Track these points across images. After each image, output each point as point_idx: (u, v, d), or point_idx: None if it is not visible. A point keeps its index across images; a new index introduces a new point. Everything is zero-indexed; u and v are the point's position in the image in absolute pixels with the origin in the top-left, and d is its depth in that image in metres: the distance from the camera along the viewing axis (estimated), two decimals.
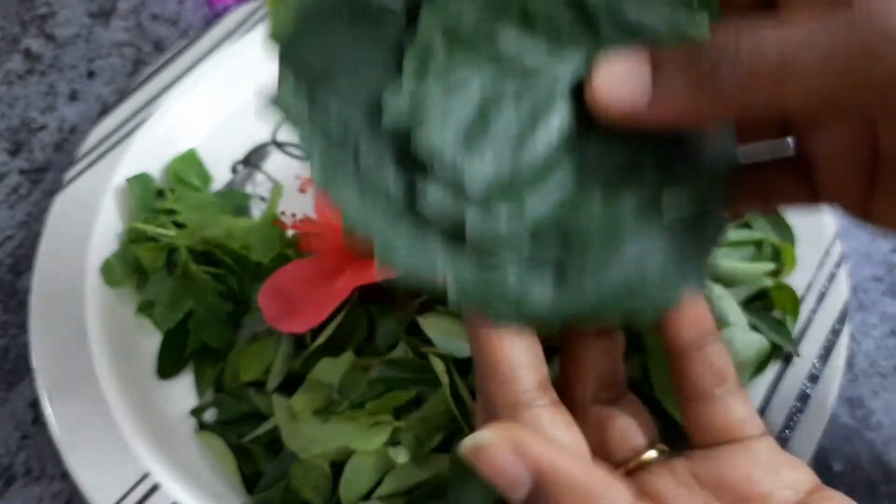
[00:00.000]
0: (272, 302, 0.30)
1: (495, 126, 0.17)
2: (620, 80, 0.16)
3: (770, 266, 0.33)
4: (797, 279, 0.34)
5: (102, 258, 0.37)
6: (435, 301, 0.32)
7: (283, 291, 0.30)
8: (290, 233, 0.35)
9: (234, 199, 0.39)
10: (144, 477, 0.31)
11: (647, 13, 0.16)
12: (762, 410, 0.31)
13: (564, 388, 0.21)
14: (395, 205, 0.17)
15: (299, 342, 0.32)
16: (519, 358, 0.18)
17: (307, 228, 0.30)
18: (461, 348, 0.29)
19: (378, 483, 0.28)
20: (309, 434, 0.28)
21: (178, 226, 0.36)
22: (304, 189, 0.38)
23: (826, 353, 0.32)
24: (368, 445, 0.27)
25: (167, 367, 0.34)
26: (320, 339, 0.30)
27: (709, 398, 0.20)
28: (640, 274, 0.18)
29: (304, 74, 0.17)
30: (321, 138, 0.17)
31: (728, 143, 0.19)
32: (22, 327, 0.40)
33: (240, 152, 0.43)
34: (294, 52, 0.17)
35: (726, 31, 0.15)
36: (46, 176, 0.45)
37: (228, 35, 0.43)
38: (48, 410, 0.32)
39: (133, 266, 0.35)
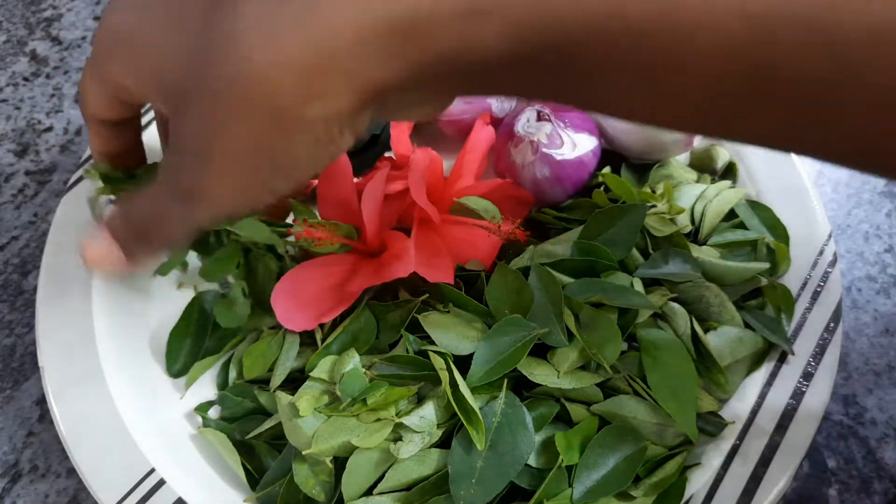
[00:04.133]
0: (284, 302, 0.31)
1: None
2: (103, 254, 0.25)
3: (765, 265, 0.33)
4: (791, 278, 0.34)
5: None
6: (436, 300, 0.32)
7: (295, 291, 0.31)
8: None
9: None
10: (150, 473, 0.31)
11: None
12: (757, 407, 0.31)
13: None
14: None
15: (303, 341, 0.33)
16: None
17: (314, 233, 0.31)
18: (461, 346, 0.30)
19: (380, 479, 0.28)
20: (311, 431, 0.28)
21: None
22: (307, 191, 0.38)
23: (820, 351, 0.32)
24: (370, 442, 0.28)
25: (176, 365, 0.35)
26: (329, 339, 0.31)
27: None
28: None
29: None
30: None
31: None
32: (28, 326, 0.40)
33: None
34: None
35: (137, 201, 0.24)
36: (52, 177, 0.46)
37: None
38: (54, 408, 0.32)
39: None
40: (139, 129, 0.30)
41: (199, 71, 0.19)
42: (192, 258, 0.34)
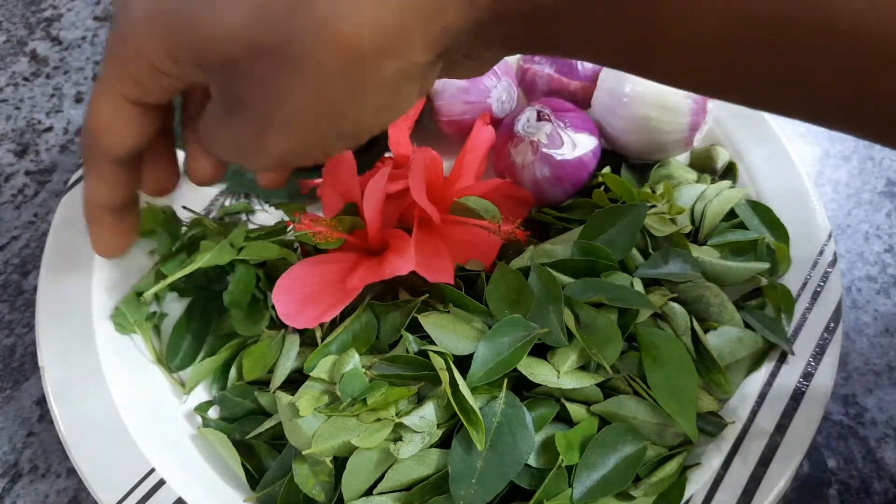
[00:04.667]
0: (285, 299, 0.30)
1: None
2: (200, 168, 0.26)
3: (765, 265, 0.33)
4: (792, 278, 0.34)
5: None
6: (436, 300, 0.32)
7: (296, 289, 0.31)
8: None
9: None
10: (150, 473, 0.31)
11: None
12: (757, 407, 0.31)
13: None
14: None
15: (303, 342, 0.33)
16: None
17: (314, 227, 0.31)
18: (461, 346, 0.30)
19: (380, 479, 0.28)
20: (311, 431, 0.28)
21: None
22: (305, 190, 0.38)
23: (820, 351, 0.32)
24: (370, 442, 0.28)
25: (175, 359, 0.35)
26: (329, 339, 0.31)
27: None
28: None
29: None
30: None
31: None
32: (28, 326, 0.40)
33: None
34: None
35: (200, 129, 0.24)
36: (52, 177, 0.46)
37: None
38: (54, 408, 0.32)
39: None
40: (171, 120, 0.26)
41: (269, 29, 0.18)
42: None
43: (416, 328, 0.31)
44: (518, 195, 0.36)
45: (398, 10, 0.17)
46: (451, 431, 0.28)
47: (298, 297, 0.31)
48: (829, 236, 0.35)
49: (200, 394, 0.34)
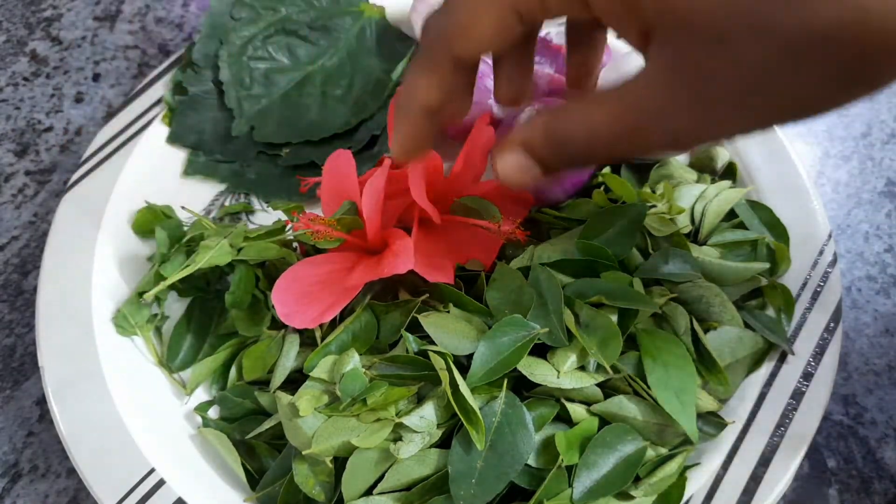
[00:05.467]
0: (285, 299, 0.30)
1: None
2: (518, 169, 0.24)
3: (765, 265, 0.33)
4: (791, 278, 0.34)
5: (108, 258, 0.37)
6: (436, 300, 0.32)
7: (295, 289, 0.31)
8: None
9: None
10: (149, 473, 0.31)
11: None
12: (757, 407, 0.31)
13: None
14: None
15: (303, 342, 0.33)
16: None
17: (312, 226, 0.30)
18: (461, 346, 0.30)
19: (380, 479, 0.28)
20: (311, 431, 0.28)
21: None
22: (305, 189, 0.38)
23: (820, 351, 0.32)
24: (370, 442, 0.28)
25: (175, 359, 0.35)
26: (329, 339, 0.31)
27: None
28: None
29: None
30: None
31: None
32: (28, 326, 0.40)
33: None
34: None
35: (563, 118, 0.23)
36: (52, 177, 0.46)
37: None
38: (54, 408, 0.33)
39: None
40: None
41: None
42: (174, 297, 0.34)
43: (416, 328, 0.31)
44: (518, 195, 0.36)
45: None
46: (451, 431, 0.28)
47: (298, 298, 0.31)
48: (829, 236, 0.35)
49: (200, 394, 0.34)
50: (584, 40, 0.28)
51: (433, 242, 0.33)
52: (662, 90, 0.20)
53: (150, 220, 0.38)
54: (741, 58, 0.18)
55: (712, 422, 0.31)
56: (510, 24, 0.22)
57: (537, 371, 0.29)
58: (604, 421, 0.29)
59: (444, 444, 0.29)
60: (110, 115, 0.42)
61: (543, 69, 0.40)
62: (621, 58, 0.37)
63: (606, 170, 0.36)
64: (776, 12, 0.17)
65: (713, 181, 0.37)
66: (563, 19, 0.30)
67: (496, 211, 0.32)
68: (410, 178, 0.31)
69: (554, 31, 0.40)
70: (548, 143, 0.23)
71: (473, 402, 0.27)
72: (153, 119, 0.41)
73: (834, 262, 0.34)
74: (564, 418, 0.29)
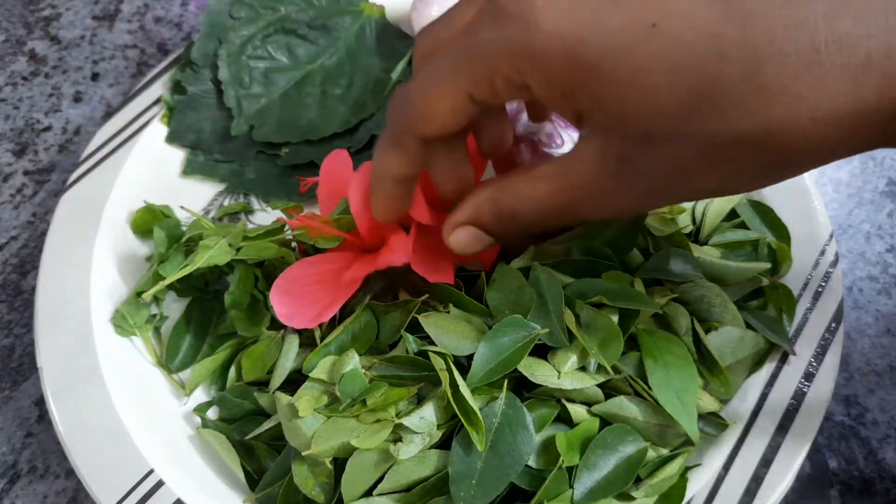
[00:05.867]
0: (284, 299, 0.30)
1: None
2: (470, 242, 0.28)
3: (766, 265, 0.33)
4: (793, 278, 0.34)
5: (106, 258, 0.37)
6: (436, 300, 0.32)
7: (293, 289, 0.31)
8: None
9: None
10: (149, 474, 0.31)
11: None
12: (758, 408, 0.31)
13: None
14: None
15: (302, 342, 0.33)
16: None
17: (310, 224, 0.30)
18: (461, 346, 0.29)
19: (380, 480, 0.28)
20: (311, 431, 0.28)
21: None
22: (304, 189, 0.38)
23: (822, 351, 0.32)
24: (370, 443, 0.27)
25: (174, 360, 0.35)
26: (329, 339, 0.31)
27: None
28: None
29: None
30: None
31: None
32: (27, 326, 0.40)
33: None
34: None
35: (507, 194, 0.26)
36: (51, 177, 0.46)
37: None
38: (53, 408, 0.32)
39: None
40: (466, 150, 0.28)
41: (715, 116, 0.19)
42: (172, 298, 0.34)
43: (416, 328, 0.31)
44: None
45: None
46: (451, 432, 0.28)
47: (296, 298, 0.30)
48: (831, 236, 0.35)
49: (199, 394, 0.34)
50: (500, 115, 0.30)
51: (433, 243, 0.33)
52: (594, 173, 0.23)
53: (149, 220, 0.37)
54: (665, 155, 0.21)
55: (713, 422, 0.31)
56: (465, 108, 0.24)
57: (538, 372, 0.29)
58: (604, 422, 0.29)
59: (444, 444, 0.29)
60: (109, 114, 0.42)
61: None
62: None
63: None
64: (697, 120, 0.20)
65: None
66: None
67: None
68: (351, 197, 0.31)
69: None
70: (496, 218, 0.26)
71: (473, 402, 0.27)
72: (152, 119, 0.41)
73: (835, 262, 0.34)
74: (565, 419, 0.29)
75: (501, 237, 0.27)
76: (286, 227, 0.35)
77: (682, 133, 0.20)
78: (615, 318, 0.30)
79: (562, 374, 0.29)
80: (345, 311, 0.32)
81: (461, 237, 0.27)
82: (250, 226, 0.39)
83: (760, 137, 0.19)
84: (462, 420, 0.27)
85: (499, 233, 0.27)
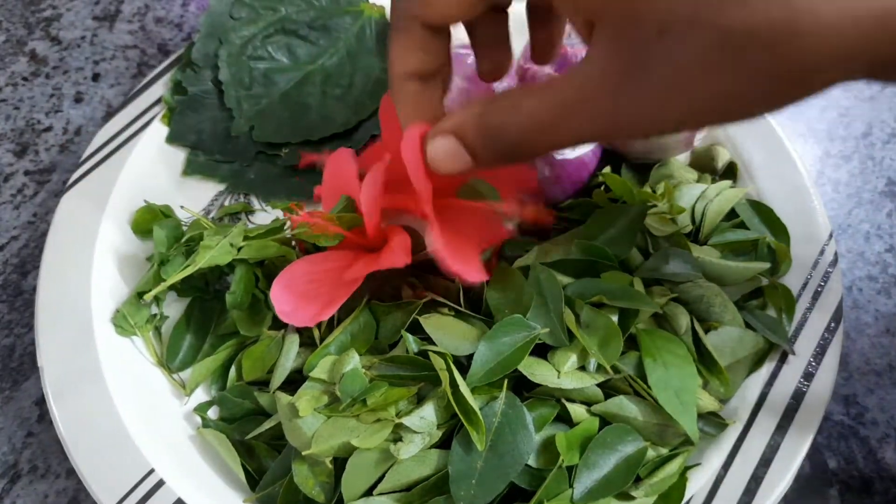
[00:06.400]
0: (284, 297, 0.30)
1: None
2: (448, 155, 0.24)
3: (765, 265, 0.33)
4: (792, 278, 0.34)
5: (107, 258, 0.37)
6: (437, 302, 0.32)
7: (294, 287, 0.31)
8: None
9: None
10: (149, 473, 0.31)
11: None
12: (757, 407, 0.31)
13: None
14: None
15: (302, 342, 0.33)
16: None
17: (312, 220, 0.30)
18: (461, 346, 0.29)
19: (380, 479, 0.28)
20: (311, 431, 0.28)
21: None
22: (317, 199, 0.37)
23: (821, 351, 0.32)
24: (370, 442, 0.28)
25: (175, 360, 0.35)
26: (329, 339, 0.31)
27: None
28: None
29: None
30: None
31: None
32: (27, 326, 0.40)
33: None
34: None
35: (495, 107, 0.23)
36: (52, 177, 0.46)
37: None
38: (53, 408, 0.32)
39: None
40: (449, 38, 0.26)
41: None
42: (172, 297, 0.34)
43: (416, 329, 0.31)
44: (520, 175, 0.35)
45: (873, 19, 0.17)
46: (452, 432, 0.28)
47: (297, 295, 0.30)
48: (830, 236, 0.35)
49: (200, 394, 0.34)
50: (545, 19, 0.29)
51: (458, 229, 0.31)
52: (592, 87, 0.21)
53: (150, 220, 0.38)
54: (677, 52, 0.19)
55: (713, 422, 0.31)
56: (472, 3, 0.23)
57: (537, 371, 0.29)
58: (604, 421, 0.29)
59: (444, 444, 0.29)
60: (110, 114, 0.42)
61: (543, 69, 0.40)
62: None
63: (606, 170, 0.36)
64: (716, 9, 0.18)
65: (714, 181, 0.37)
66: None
67: (494, 192, 0.31)
68: (404, 152, 0.28)
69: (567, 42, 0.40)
70: (480, 132, 0.23)
71: (474, 402, 0.27)
72: (153, 119, 0.41)
73: (835, 262, 0.34)
74: (565, 419, 0.29)
75: (482, 160, 0.24)
76: (286, 226, 0.35)
77: (698, 23, 0.18)
78: (615, 318, 0.30)
79: (562, 373, 0.29)
80: (345, 312, 0.32)
81: (439, 147, 0.25)
82: (251, 226, 0.39)
83: (781, 30, 0.18)
84: (462, 420, 0.27)
85: (480, 151, 0.24)
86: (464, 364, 0.29)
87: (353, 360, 0.30)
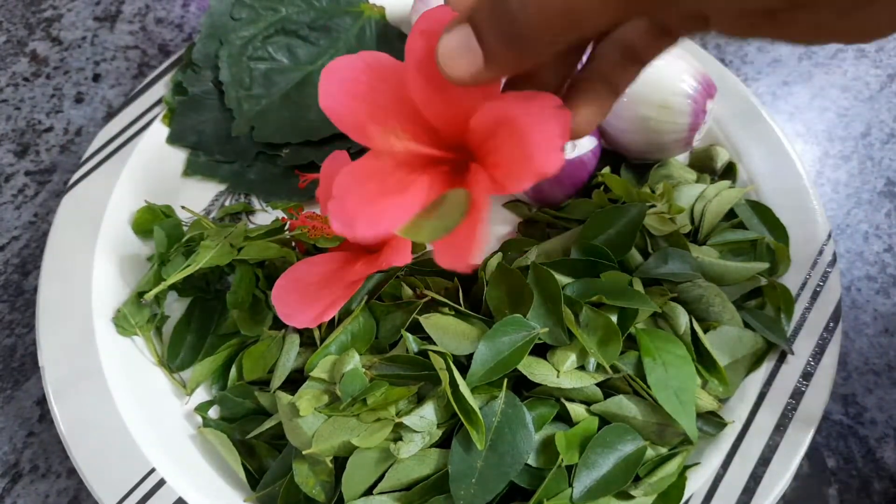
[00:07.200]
0: (285, 299, 0.30)
1: None
2: (460, 50, 0.21)
3: (764, 265, 0.33)
4: (791, 278, 0.34)
5: (108, 258, 0.37)
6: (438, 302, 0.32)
7: (294, 289, 0.31)
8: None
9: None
10: (150, 473, 0.31)
11: None
12: (756, 407, 0.31)
13: None
14: None
15: (303, 342, 0.33)
16: None
17: (311, 223, 0.30)
18: (461, 346, 0.30)
19: (380, 478, 0.28)
20: (312, 430, 0.28)
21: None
22: (303, 185, 0.38)
23: (820, 351, 0.32)
24: (370, 442, 0.28)
25: (176, 359, 0.35)
26: (329, 339, 0.31)
27: None
28: None
29: None
30: None
31: None
32: (28, 326, 0.40)
33: None
34: None
35: None
36: (53, 177, 0.46)
37: None
38: (54, 408, 0.33)
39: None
40: None
41: None
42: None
43: (416, 328, 0.31)
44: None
45: None
46: (451, 431, 0.28)
47: (298, 297, 0.31)
48: (829, 236, 0.35)
49: (201, 394, 0.35)
50: None
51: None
52: None
53: (150, 220, 0.38)
54: None
55: (712, 421, 0.31)
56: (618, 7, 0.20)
57: (537, 371, 0.29)
58: (604, 421, 0.29)
59: (444, 443, 0.29)
60: (110, 115, 0.42)
61: None
62: None
63: (606, 170, 0.36)
64: None
65: (713, 181, 0.37)
66: None
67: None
68: (407, 65, 0.25)
69: None
70: (495, 16, 0.20)
71: (473, 401, 0.27)
72: (153, 119, 0.41)
73: (833, 262, 0.34)
74: (564, 418, 0.29)
75: (493, 54, 0.21)
76: (286, 227, 0.35)
77: None
78: (614, 318, 0.30)
79: (561, 373, 0.29)
80: (345, 312, 0.32)
81: (453, 41, 0.21)
82: (251, 226, 0.40)
83: None
84: (462, 419, 0.27)
85: (493, 42, 0.21)
86: (464, 364, 0.29)
87: (354, 360, 0.30)
